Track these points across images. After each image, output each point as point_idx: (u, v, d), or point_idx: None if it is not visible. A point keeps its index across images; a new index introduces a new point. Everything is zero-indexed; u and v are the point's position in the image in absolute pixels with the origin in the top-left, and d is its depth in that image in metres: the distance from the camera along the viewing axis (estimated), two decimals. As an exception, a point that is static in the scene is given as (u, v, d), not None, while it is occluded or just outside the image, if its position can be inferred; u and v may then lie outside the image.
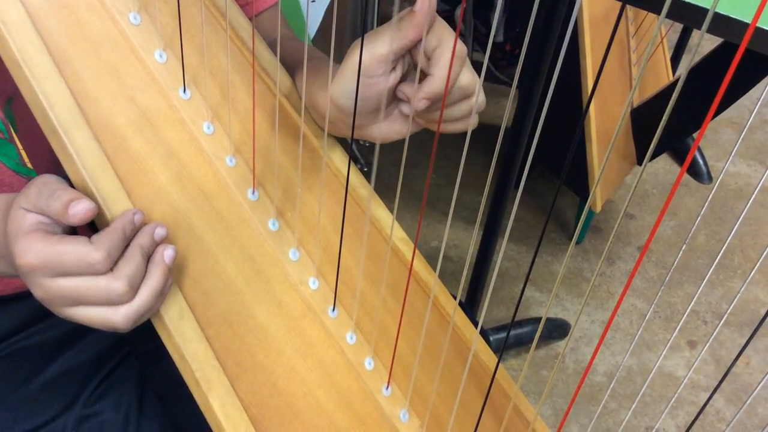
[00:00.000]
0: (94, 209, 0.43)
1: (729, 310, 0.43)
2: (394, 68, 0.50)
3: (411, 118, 0.53)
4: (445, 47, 0.48)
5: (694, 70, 1.41)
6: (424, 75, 0.50)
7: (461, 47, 0.48)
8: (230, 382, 0.51)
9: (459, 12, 2.08)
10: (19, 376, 0.65)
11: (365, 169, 1.75)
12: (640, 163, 1.63)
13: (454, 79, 0.49)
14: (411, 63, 0.52)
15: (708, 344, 0.44)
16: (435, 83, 0.49)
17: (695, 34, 1.98)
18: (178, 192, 0.52)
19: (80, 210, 0.42)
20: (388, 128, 0.55)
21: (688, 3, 0.63)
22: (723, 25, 0.64)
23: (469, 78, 0.50)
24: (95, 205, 0.43)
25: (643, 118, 1.53)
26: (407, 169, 1.82)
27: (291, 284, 0.57)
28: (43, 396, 0.64)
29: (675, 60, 1.92)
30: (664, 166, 1.96)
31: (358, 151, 1.83)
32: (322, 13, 1.35)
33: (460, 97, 0.51)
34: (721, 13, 0.64)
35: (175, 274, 0.50)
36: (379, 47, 0.48)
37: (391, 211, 0.60)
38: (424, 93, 0.49)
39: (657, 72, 1.72)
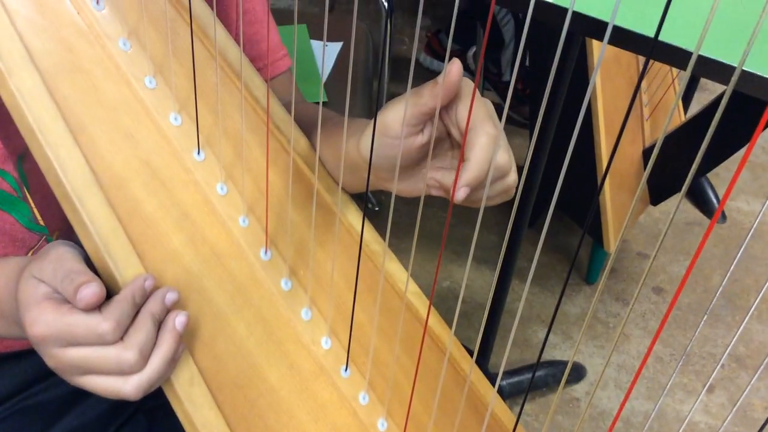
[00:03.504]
0: (100, 294, 0.43)
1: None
2: (422, 131, 0.50)
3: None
4: (480, 131, 0.48)
5: (707, 111, 1.41)
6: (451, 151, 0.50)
7: (493, 129, 0.48)
8: (241, 449, 0.50)
9: (470, 53, 2.10)
10: (28, 434, 0.64)
11: (376, 209, 1.75)
12: (653, 203, 1.62)
13: (491, 160, 0.48)
14: (444, 131, 0.52)
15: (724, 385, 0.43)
16: (471, 170, 0.47)
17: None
18: (190, 254, 0.52)
19: (86, 295, 0.42)
20: (412, 186, 0.54)
21: (715, 60, 0.62)
22: (750, 81, 0.64)
23: (505, 158, 0.49)
24: (101, 289, 0.43)
25: (655, 158, 1.53)
26: (417, 207, 1.81)
27: (303, 344, 0.56)
28: (52, 455, 0.63)
29: (686, 99, 1.92)
30: (676, 205, 1.95)
31: (370, 191, 1.82)
32: (335, 57, 1.36)
33: (496, 178, 0.50)
34: (749, 70, 0.63)
35: (186, 338, 0.50)
36: (399, 110, 0.49)
37: (406, 254, 0.60)
38: (463, 181, 0.48)
39: (668, 112, 1.72)
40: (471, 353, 0.63)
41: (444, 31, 2.23)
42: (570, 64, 1.01)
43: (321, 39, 1.39)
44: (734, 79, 0.32)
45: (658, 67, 1.59)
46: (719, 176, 1.95)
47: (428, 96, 0.47)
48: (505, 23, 1.97)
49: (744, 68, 0.61)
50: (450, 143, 0.53)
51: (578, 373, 1.50)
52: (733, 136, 1.28)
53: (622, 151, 1.53)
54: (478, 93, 0.48)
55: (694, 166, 0.34)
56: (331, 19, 1.50)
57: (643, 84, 1.59)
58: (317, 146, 0.58)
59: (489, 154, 0.47)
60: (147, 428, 0.68)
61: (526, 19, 0.35)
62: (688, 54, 0.62)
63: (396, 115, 0.49)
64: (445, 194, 0.52)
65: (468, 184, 0.48)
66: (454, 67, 0.46)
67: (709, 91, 2.25)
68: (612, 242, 1.54)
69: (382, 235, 0.58)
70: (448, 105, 0.49)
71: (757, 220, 0.36)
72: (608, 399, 1.46)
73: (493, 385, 0.62)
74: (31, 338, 0.43)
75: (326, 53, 1.33)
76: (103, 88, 0.50)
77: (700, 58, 0.62)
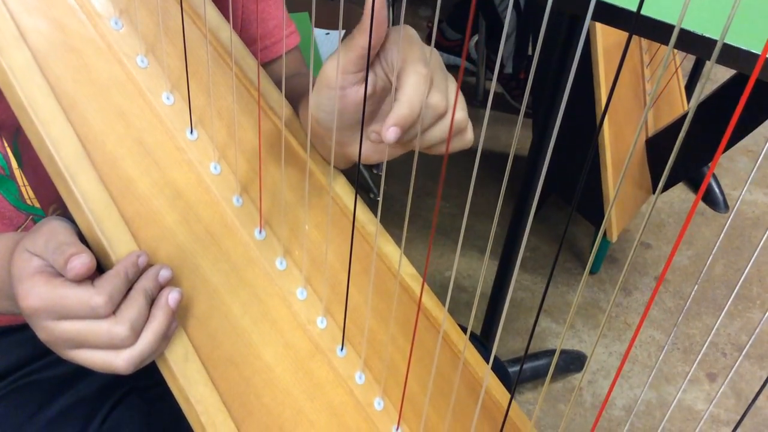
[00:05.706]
0: (90, 264, 0.43)
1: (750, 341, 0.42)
2: (364, 81, 0.48)
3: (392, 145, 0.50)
4: (410, 70, 0.46)
5: (708, 101, 1.40)
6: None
7: (423, 68, 0.46)
8: (236, 426, 0.50)
9: (473, 43, 2.09)
10: (26, 412, 0.64)
11: (378, 199, 1.75)
12: (654, 192, 1.61)
13: (422, 99, 0.46)
14: (388, 83, 0.50)
15: (728, 377, 0.43)
16: (399, 108, 0.46)
17: (709, 63, 1.98)
18: (184, 233, 0.52)
19: (76, 265, 0.42)
20: (370, 148, 0.52)
21: (697, 34, 0.62)
22: (734, 56, 0.64)
23: (437, 97, 0.47)
24: (91, 260, 0.43)
25: (658, 148, 1.52)
26: (421, 198, 1.81)
27: (298, 324, 0.56)
28: (50, 432, 0.64)
29: (689, 88, 1.91)
30: (679, 195, 1.95)
31: (371, 180, 1.82)
32: (337, 45, 1.36)
33: (432, 118, 0.48)
34: (732, 44, 0.63)
35: (180, 316, 0.50)
36: (335, 59, 0.47)
37: (410, 243, 0.60)
38: (391, 120, 0.46)
39: (672, 101, 1.71)
40: (465, 331, 0.63)
41: (446, 21, 2.23)
42: (573, 51, 1.01)
43: (324, 27, 1.39)
44: (716, 50, 0.32)
45: (661, 56, 1.59)
46: (722, 165, 1.94)
47: (357, 34, 0.46)
48: (506, 15, 1.97)
49: (725, 41, 0.61)
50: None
51: (580, 361, 1.50)
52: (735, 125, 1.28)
53: (624, 139, 1.52)
54: (413, 37, 0.47)
55: (673, 161, 0.34)
56: (334, 8, 1.50)
57: (646, 72, 1.59)
58: (305, 123, 0.57)
59: (418, 92, 0.46)
60: (141, 408, 0.68)
61: (524, 10, 0.35)
62: (671, 28, 0.62)
63: (333, 63, 0.47)
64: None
65: (397, 123, 0.45)
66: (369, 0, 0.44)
67: (711, 80, 2.23)
68: (615, 232, 1.54)
69: (383, 221, 0.58)
70: (385, 52, 0.47)
71: (741, 204, 0.36)
72: (611, 388, 1.46)
73: (488, 365, 0.62)
74: (23, 311, 0.44)
75: (329, 42, 1.33)
76: (96, 67, 0.50)
77: (683, 32, 0.62)
